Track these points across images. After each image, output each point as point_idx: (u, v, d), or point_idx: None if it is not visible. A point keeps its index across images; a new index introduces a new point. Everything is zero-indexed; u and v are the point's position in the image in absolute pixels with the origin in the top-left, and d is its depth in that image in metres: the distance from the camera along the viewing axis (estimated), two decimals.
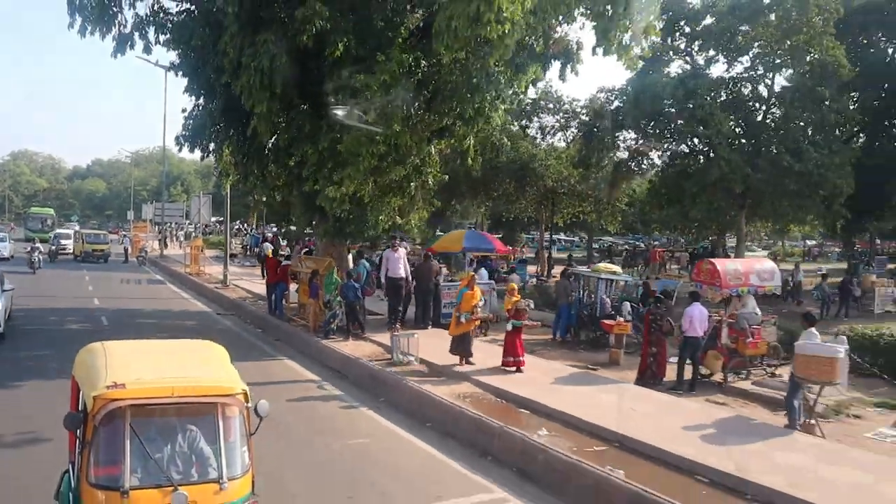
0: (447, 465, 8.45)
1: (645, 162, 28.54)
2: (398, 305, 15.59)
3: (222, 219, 61.41)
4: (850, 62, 31.40)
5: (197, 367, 5.14)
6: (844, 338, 12.77)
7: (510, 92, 15.87)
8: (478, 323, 14.10)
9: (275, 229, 49.43)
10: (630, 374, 12.62)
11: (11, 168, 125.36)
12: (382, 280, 16.32)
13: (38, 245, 30.83)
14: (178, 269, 32.44)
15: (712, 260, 13.73)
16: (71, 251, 38.99)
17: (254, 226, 59.90)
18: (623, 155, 28.70)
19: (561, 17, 13.19)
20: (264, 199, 20.02)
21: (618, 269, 17.77)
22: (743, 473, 7.26)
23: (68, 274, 29.83)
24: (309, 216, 17.94)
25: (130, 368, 4.75)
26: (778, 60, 25.37)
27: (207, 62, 16.65)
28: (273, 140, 16.64)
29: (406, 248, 17.48)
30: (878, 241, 54.94)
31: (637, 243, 60.39)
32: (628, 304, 15.60)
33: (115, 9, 15.92)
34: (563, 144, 37.26)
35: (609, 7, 12.13)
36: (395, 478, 7.92)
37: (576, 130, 33.69)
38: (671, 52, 28.44)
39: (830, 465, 7.74)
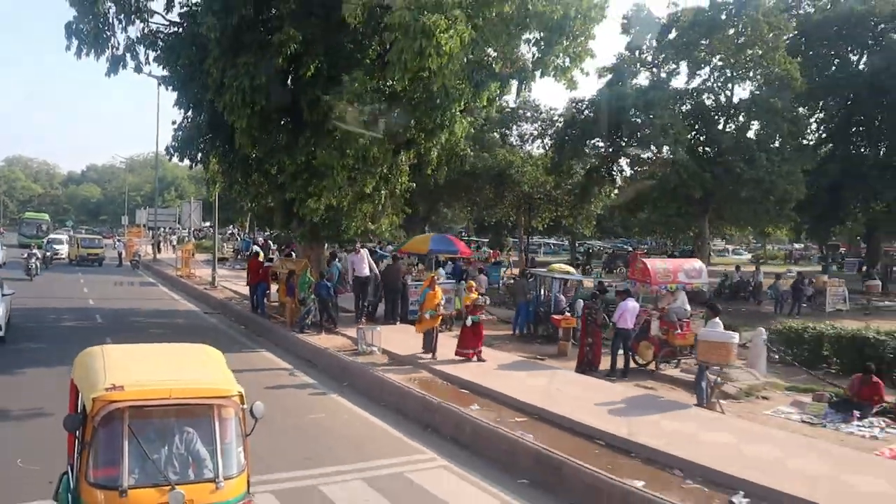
0: (393, 434, 9.90)
1: (615, 169, 29.99)
2: (364, 302, 17.05)
3: (210, 223, 62.39)
4: (815, 74, 33.29)
5: (193, 369, 5.29)
6: (763, 329, 14.32)
7: (471, 106, 17.37)
8: (439, 320, 15.51)
9: (267, 233, 50.83)
10: (574, 363, 14.05)
11: (6, 174, 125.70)
12: (350, 280, 17.75)
13: (35, 251, 30.67)
14: (169, 273, 33.81)
15: (644, 260, 15.19)
16: (64, 256, 40.15)
17: (246, 230, 61.23)
18: (594, 162, 30.11)
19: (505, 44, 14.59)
20: (251, 205, 21.33)
21: (571, 269, 19.26)
22: (632, 437, 8.70)
23: (64, 277, 31.11)
24: (288, 221, 19.36)
25: (128, 371, 4.88)
26: (734, 73, 26.93)
27: (194, 79, 18.09)
28: (255, 151, 18.05)
29: (366, 249, 18.83)
30: (863, 244, 56.68)
31: (623, 247, 61.95)
32: (581, 301, 17.05)
33: (108, 33, 17.37)
34: (541, 151, 38.83)
35: (541, 38, 13.61)
36: (348, 444, 9.35)
37: (549, 139, 35.23)
38: (638, 65, 29.98)
39: (709, 432, 9.18)
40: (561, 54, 14.19)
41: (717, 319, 11.47)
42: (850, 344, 14.47)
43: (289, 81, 16.90)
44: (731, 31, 25.77)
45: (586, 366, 13.50)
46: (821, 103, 34.85)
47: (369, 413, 11.02)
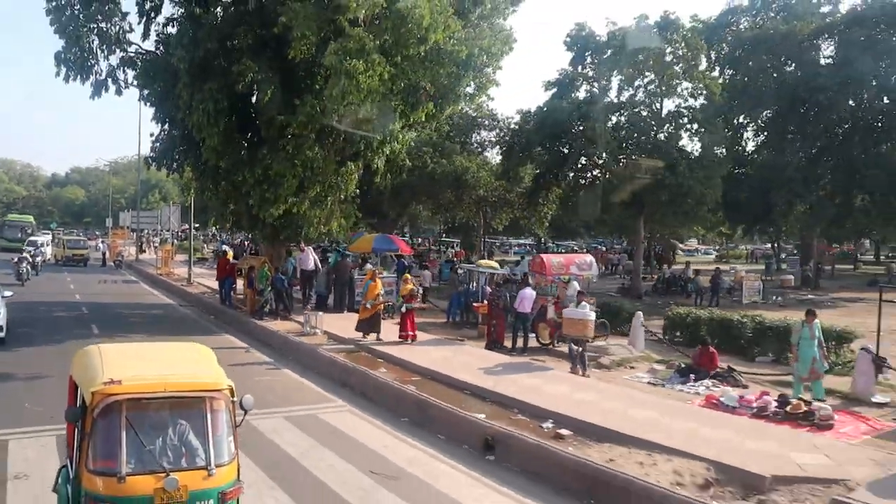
0: (315, 390, 12.67)
1: (560, 175, 32.76)
2: (310, 291, 19.81)
3: (197, 225, 64.88)
4: (751, 85, 36.38)
5: (186, 365, 5.60)
6: (640, 314, 17.18)
7: (412, 122, 20.18)
8: (381, 307, 18.20)
9: (245, 235, 53.39)
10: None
11: None
12: (298, 274, 20.51)
13: (26, 255, 30.81)
14: (150, 272, 36.36)
15: (542, 255, 18.04)
16: (49, 256, 42.18)
17: (228, 232, 63.68)
18: (540, 169, 32.89)
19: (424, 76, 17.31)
20: (221, 209, 23.94)
21: (495, 264, 22.08)
22: (493, 388, 11.49)
23: (52, 276, 33.54)
24: (253, 224, 22.04)
25: (125, 367, 5.20)
26: (660, 89, 29.88)
27: (168, 99, 20.70)
28: (221, 163, 20.69)
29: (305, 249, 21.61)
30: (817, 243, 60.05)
31: (598, 246, 65.00)
32: (506, 291, 19.83)
33: (92, 61, 19.99)
34: (500, 157, 41.66)
35: (452, 72, 16.43)
36: (279, 396, 12.05)
37: (500, 146, 38.07)
38: (581, 79, 32.84)
39: (556, 385, 11.98)
40: (470, 83, 16.96)
41: (584, 302, 14.30)
42: (720, 326, 17.42)
43: (250, 103, 19.56)
44: (656, 51, 28.64)
45: (493, 343, 16.30)
46: (754, 113, 38.01)
47: (303, 378, 13.76)
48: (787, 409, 10.76)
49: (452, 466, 8.78)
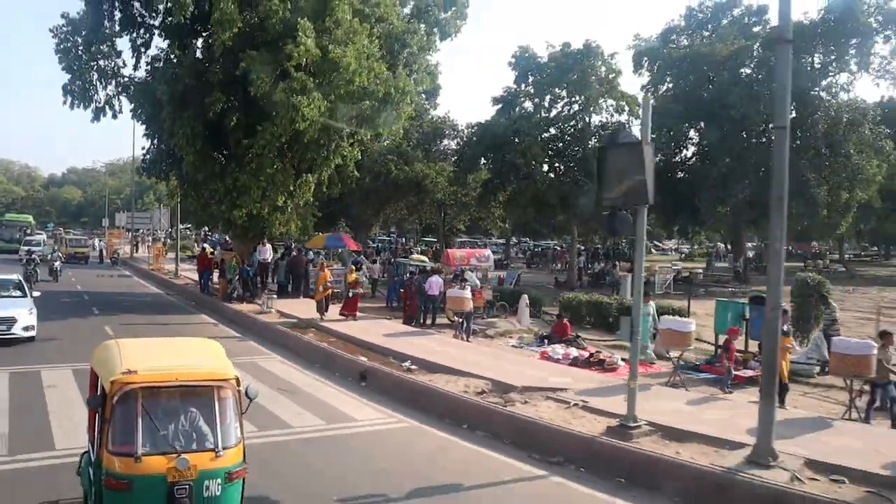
0: (259, 348, 17.06)
1: (504, 182, 37.13)
2: (267, 278, 24.22)
3: (190, 225, 69.13)
4: (682, 102, 40.81)
5: (196, 357, 6.04)
6: (525, 296, 21.60)
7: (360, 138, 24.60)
8: (329, 293, 22.52)
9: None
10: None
11: None
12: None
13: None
14: (143, 267, 40.75)
15: (448, 249, 22.49)
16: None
17: (220, 232, 68.11)
18: (487, 175, 37.31)
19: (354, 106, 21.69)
20: (200, 213, 28.23)
21: (424, 258, 26.55)
22: (384, 344, 15.89)
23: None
24: (226, 225, 26.42)
25: (141, 359, 5.61)
26: (585, 106, 34.38)
27: (156, 121, 25.10)
28: (199, 175, 25.04)
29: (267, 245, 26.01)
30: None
31: (561, 246, 69.69)
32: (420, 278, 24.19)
33: (92, 92, 24.36)
34: None
35: (373, 105, 20.87)
36: (232, 353, 16.36)
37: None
38: (523, 96, 37.28)
39: (432, 343, 16.39)
40: (389, 114, 21.38)
41: (467, 285, 18.73)
42: (595, 307, 21.85)
43: (221, 127, 23.92)
44: (578, 74, 33.12)
45: (408, 318, 20.72)
46: (685, 125, 42.48)
47: (254, 342, 18.14)
48: (590, 359, 15.22)
49: (336, 388, 13.21)
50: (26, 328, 16.35)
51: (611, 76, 33.44)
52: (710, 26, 45.51)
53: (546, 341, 17.88)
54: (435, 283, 20.40)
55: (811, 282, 16.62)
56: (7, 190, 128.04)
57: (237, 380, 5.69)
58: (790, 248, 69.96)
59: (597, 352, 15.61)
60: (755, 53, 39.93)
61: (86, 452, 6.25)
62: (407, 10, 27.06)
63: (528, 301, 21.07)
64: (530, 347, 17.55)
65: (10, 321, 16.13)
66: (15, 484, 7.76)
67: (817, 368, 14.52)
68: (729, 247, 78.13)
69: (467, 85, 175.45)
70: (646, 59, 44.82)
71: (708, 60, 39.90)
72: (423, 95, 49.52)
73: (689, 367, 14.68)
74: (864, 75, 39.88)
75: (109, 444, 5.24)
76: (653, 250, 77.13)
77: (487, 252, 22.23)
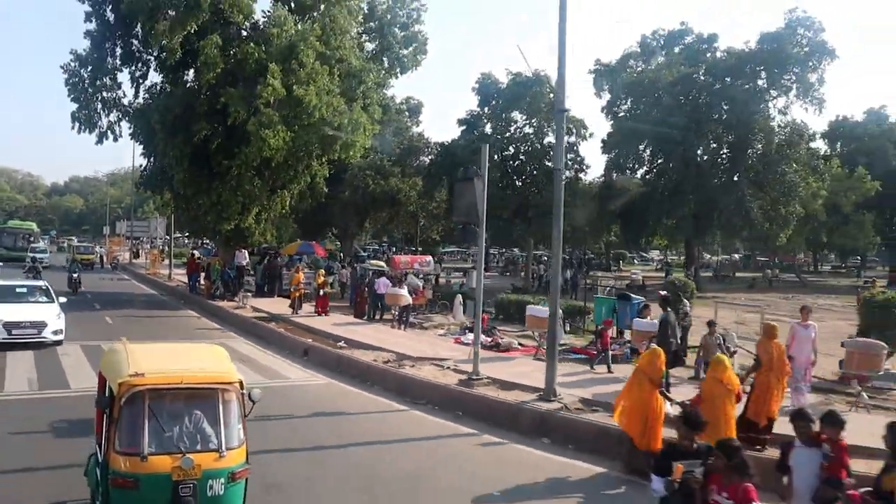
0: (232, 335, 20.92)
1: None
2: (242, 279, 28.13)
3: (188, 233, 72.78)
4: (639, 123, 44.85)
5: (201, 362, 6.41)
6: (460, 296, 25.44)
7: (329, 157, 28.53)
8: (301, 292, 26.33)
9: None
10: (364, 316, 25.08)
11: None
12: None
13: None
14: (140, 272, 44.69)
15: (395, 256, 26.41)
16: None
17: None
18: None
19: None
20: (196, 223, 32.07)
21: (382, 263, 30.46)
22: (331, 331, 19.76)
23: (63, 275, 41.71)
24: (212, 234, 30.35)
25: (148, 362, 5.95)
26: (538, 128, 38.46)
27: (151, 143, 29.09)
28: (188, 191, 28.93)
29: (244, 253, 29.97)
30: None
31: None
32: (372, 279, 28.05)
33: (96, 118, 28.35)
34: None
35: (330, 134, 24.88)
36: (208, 337, 20.26)
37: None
38: (485, 118, 41.30)
39: (369, 331, 20.25)
40: (345, 139, 25.39)
41: (404, 285, 22.62)
42: (519, 306, 25.65)
43: (206, 150, 27.91)
44: (530, 100, 37.20)
45: (360, 313, 24.59)
46: (637, 146, 46.52)
47: (229, 331, 22.00)
48: (491, 343, 19.09)
49: (283, 360, 17.13)
50: (55, 332, 17.10)
51: (545, 106, 37.47)
52: (664, 52, 49.60)
53: (468, 331, 21.70)
54: (382, 283, 24.24)
55: (678, 283, 20.52)
56: (10, 198, 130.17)
57: (241, 383, 6.00)
58: (759, 257, 74.17)
59: (500, 339, 19.47)
60: (700, 79, 44.02)
61: (92, 454, 6.60)
62: (372, 47, 31.18)
63: (462, 300, 24.91)
64: (452, 335, 21.38)
65: (41, 325, 16.90)
66: (44, 405, 11.66)
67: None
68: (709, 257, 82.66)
69: (457, 99, 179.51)
70: (606, 82, 48.94)
71: (656, 86, 43.97)
72: (407, 113, 53.97)
73: (567, 349, 18.55)
74: (798, 101, 43.72)
75: (116, 445, 5.51)
76: (635, 261, 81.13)
77: (429, 258, 26.09)
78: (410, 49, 31.15)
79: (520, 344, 19.01)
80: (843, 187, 54.88)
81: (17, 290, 18.85)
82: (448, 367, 14.68)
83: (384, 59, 30.95)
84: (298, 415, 11.87)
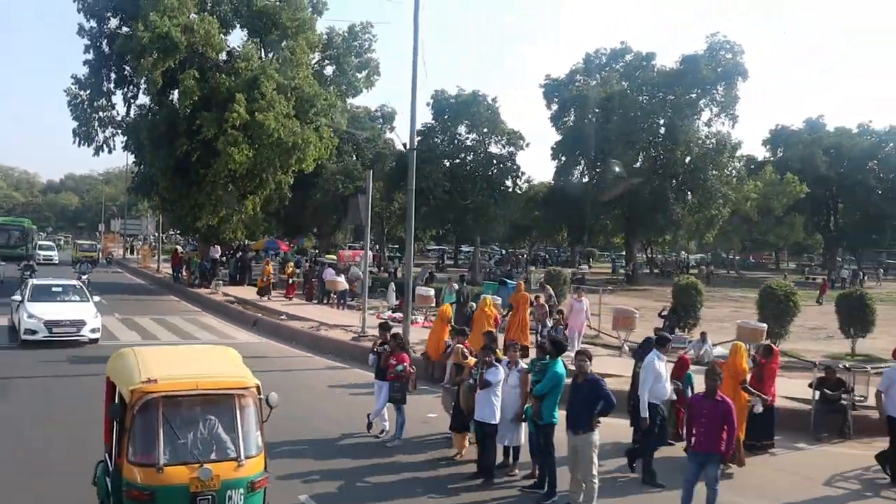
0: (205, 314, 26.27)
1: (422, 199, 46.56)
2: (217, 270, 33.48)
3: (178, 231, 77.69)
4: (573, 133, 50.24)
5: (215, 365, 6.22)
6: (392, 285, 30.84)
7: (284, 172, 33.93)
8: (270, 281, 31.57)
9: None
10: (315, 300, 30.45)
11: None
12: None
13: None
14: (133, 266, 50.00)
15: (341, 251, 31.78)
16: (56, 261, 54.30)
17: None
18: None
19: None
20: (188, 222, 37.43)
21: (334, 257, 35.86)
22: (284, 310, 25.13)
23: (63, 270, 47.04)
24: (192, 232, 35.67)
25: (159, 367, 5.77)
26: (483, 139, 43.94)
27: (140, 152, 34.46)
28: (171, 196, 34.20)
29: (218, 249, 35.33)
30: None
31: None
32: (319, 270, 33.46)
33: (94, 134, 33.68)
34: None
35: (283, 152, 30.30)
36: (186, 315, 25.60)
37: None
38: (438, 130, 46.73)
39: (313, 310, 25.61)
40: (298, 154, 30.86)
41: (341, 274, 28.01)
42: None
43: (187, 161, 33.29)
44: (473, 115, 42.70)
45: (310, 297, 29.92)
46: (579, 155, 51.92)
47: (203, 310, 27.30)
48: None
49: (236, 328, 22.53)
50: (93, 330, 17.62)
51: (493, 117, 42.92)
52: (606, 69, 54.88)
53: (391, 311, 27.08)
54: (328, 273, 29.63)
55: (553, 273, 25.96)
56: (7, 195, 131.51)
57: (258, 388, 5.80)
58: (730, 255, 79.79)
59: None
60: (630, 95, 49.43)
61: (101, 462, 6.41)
62: (331, 71, 36.57)
63: (394, 287, 30.28)
64: (381, 312, 26.74)
65: (81, 324, 17.42)
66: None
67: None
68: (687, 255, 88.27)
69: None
70: (555, 96, 54.30)
71: (594, 100, 49.40)
72: (381, 120, 59.17)
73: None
74: (717, 116, 49.20)
75: (130, 455, 5.35)
76: (608, 258, 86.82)
77: (369, 254, 31.38)
78: (364, 73, 36.54)
79: (425, 318, 24.37)
80: (775, 191, 60.45)
81: (54, 289, 19.52)
82: (352, 331, 20.07)
83: (342, 81, 36.32)
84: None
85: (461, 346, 10.74)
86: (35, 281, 20.50)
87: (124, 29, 32.13)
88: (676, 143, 47.80)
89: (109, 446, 6.17)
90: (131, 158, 38.02)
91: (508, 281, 24.75)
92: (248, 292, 30.82)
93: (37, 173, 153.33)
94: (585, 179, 53.77)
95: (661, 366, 9.53)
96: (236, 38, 34.56)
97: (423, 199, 43.45)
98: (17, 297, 18.61)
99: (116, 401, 5.90)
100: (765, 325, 16.54)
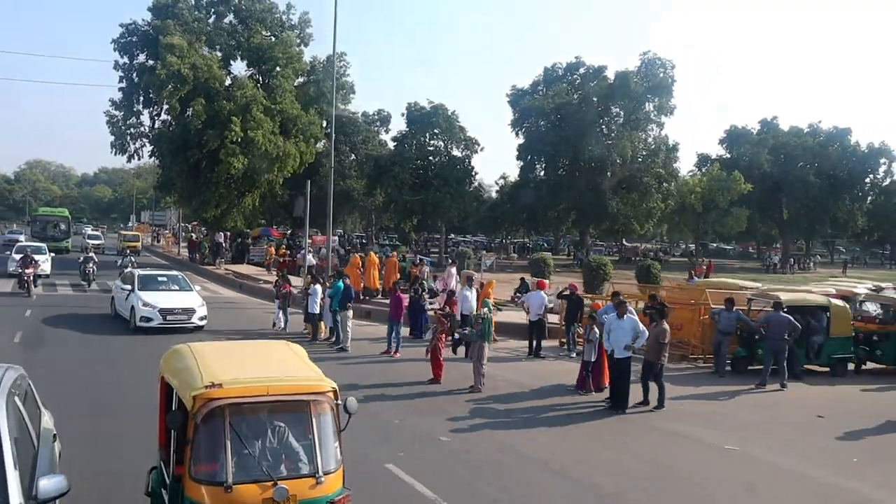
0: (213, 285, 35.57)
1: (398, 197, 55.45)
2: (221, 251, 42.70)
3: (197, 223, 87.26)
4: (531, 139, 58.61)
5: (283, 365, 5.58)
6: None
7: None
8: (272, 260, 40.72)
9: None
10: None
11: (28, 176, 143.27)
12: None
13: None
14: (158, 251, 59.78)
15: (313, 237, 40.89)
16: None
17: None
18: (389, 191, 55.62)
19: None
20: (198, 214, 46.85)
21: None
22: (268, 279, 34.29)
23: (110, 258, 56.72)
24: (203, 222, 45.05)
25: (222, 368, 5.15)
26: (446, 144, 52.70)
27: (163, 160, 43.89)
28: (185, 193, 43.46)
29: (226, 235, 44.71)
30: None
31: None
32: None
33: (127, 146, 43.11)
34: None
35: (271, 161, 39.44)
36: (199, 285, 34.85)
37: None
38: (412, 137, 55.48)
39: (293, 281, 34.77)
40: (281, 165, 39.89)
41: (319, 253, 37.09)
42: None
43: (198, 165, 42.54)
44: (436, 125, 51.46)
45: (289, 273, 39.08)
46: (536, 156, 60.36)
47: (209, 282, 36.52)
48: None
49: (231, 292, 31.69)
50: (201, 318, 18.43)
51: (451, 126, 51.71)
52: (564, 81, 62.89)
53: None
54: (303, 253, 38.69)
55: (459, 253, 34.83)
56: (46, 189, 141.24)
57: (335, 392, 5.20)
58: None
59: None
60: (574, 105, 57.61)
61: (154, 468, 5.92)
62: (312, 92, 45.50)
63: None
64: None
65: (191, 311, 18.42)
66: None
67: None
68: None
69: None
70: (518, 105, 62.67)
71: (546, 110, 57.82)
72: (378, 123, 67.87)
73: None
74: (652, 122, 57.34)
75: (193, 470, 4.79)
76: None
77: (332, 239, 40.50)
78: (341, 93, 45.51)
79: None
80: (720, 186, 68.20)
81: (160, 278, 20.81)
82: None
83: (323, 101, 45.25)
84: (217, 306, 26.38)
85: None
86: (140, 272, 21.70)
87: (149, 62, 41.36)
88: (615, 146, 56.02)
89: (165, 453, 5.61)
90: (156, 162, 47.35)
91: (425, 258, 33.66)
92: (245, 269, 40.03)
93: (72, 167, 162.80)
94: (542, 176, 62.37)
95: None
96: (238, 67, 43.72)
97: (394, 195, 52.71)
98: (124, 286, 19.86)
99: (175, 406, 5.39)
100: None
